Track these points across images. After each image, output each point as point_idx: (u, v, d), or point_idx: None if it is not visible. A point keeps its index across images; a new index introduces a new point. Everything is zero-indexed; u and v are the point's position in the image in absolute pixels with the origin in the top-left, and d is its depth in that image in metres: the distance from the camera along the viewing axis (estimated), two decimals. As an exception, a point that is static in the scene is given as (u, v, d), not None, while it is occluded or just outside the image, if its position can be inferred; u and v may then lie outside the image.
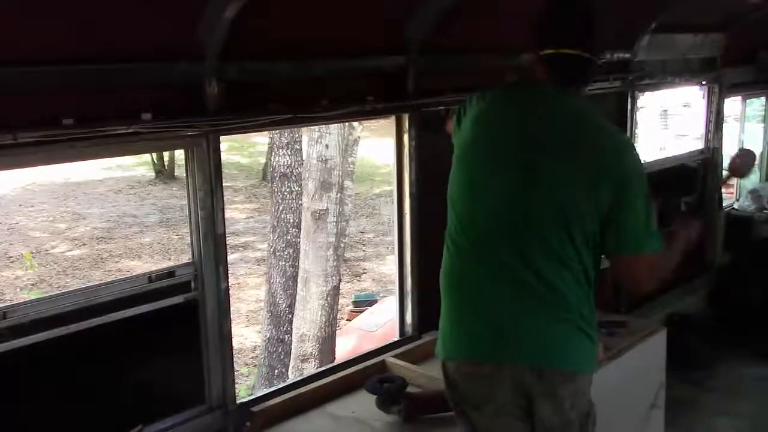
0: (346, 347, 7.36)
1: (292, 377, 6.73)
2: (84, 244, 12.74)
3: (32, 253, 11.58)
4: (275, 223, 7.74)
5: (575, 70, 2.34)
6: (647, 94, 5.64)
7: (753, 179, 7.01)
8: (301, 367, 7.13)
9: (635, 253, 2.27)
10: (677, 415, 4.35)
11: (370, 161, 17.12)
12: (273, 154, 8.06)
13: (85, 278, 11.04)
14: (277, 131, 7.42)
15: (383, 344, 3.63)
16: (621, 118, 4.80)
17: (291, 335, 7.47)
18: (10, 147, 2.20)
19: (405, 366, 3.28)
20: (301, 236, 7.38)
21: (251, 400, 3.07)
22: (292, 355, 7.36)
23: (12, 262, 11.66)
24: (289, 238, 7.63)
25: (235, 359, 3.01)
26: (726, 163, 6.14)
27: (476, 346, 2.27)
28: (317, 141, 6.99)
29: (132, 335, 2.63)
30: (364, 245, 13.19)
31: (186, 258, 2.91)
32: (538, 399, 2.19)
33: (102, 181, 16.79)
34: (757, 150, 6.83)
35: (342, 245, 7.68)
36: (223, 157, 2.81)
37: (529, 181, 2.21)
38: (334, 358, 7.08)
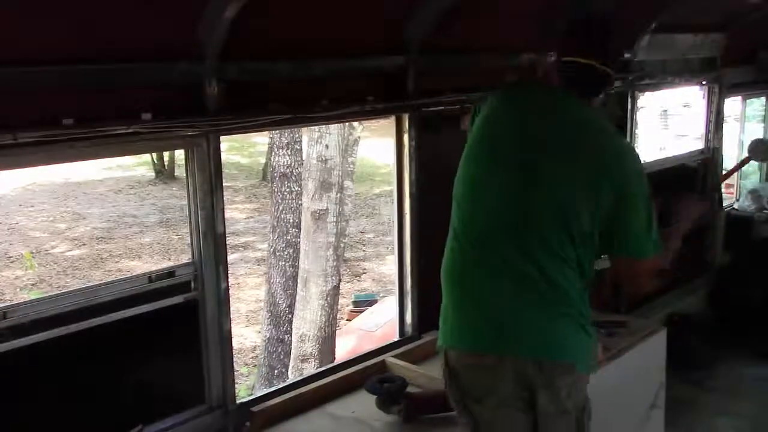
0: (345, 347, 7.36)
1: (292, 377, 6.73)
2: (84, 244, 12.74)
3: (32, 253, 11.58)
4: (275, 223, 7.74)
5: (587, 80, 2.35)
6: (647, 94, 5.63)
7: (753, 179, 7.01)
8: (301, 367, 7.13)
9: (637, 256, 2.29)
10: (677, 415, 4.35)
11: (370, 161, 17.11)
12: (273, 154, 8.06)
13: (85, 278, 11.04)
14: (277, 131, 7.42)
15: (383, 344, 3.63)
16: (621, 118, 4.80)
17: (291, 335, 7.47)
18: (10, 147, 2.20)
19: (405, 366, 3.28)
20: (301, 236, 7.38)
21: (251, 400, 3.07)
22: (292, 355, 7.36)
23: (12, 262, 11.66)
24: (289, 238, 7.63)
25: (235, 359, 3.01)
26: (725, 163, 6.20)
27: (479, 338, 2.29)
28: (317, 141, 6.99)
29: (132, 335, 2.63)
30: (364, 245, 13.19)
31: (186, 258, 2.91)
32: (539, 390, 2.21)
33: (102, 181, 16.79)
34: (757, 150, 6.84)
35: (342, 245, 7.68)
36: (223, 157, 2.81)
37: (529, 181, 2.23)
38: (334, 358, 7.08)
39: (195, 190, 2.71)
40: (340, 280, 7.62)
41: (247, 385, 8.09)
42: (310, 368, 6.86)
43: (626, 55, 4.65)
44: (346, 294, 10.20)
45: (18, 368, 2.38)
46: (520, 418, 2.24)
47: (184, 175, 2.82)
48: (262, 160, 17.49)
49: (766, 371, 5.29)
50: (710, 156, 5.87)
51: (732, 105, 6.41)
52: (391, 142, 3.54)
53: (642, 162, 2.40)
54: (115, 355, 2.64)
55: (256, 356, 8.62)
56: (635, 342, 3.62)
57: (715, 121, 5.81)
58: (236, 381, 3.09)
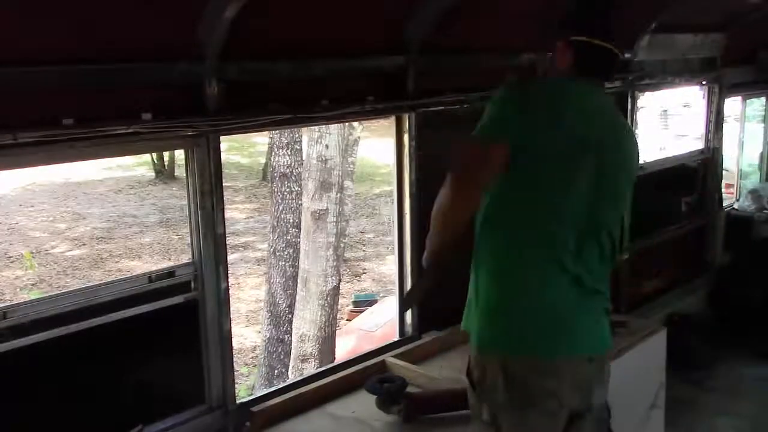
0: (345, 348, 7.36)
1: (292, 377, 6.73)
2: (84, 244, 12.74)
3: (32, 253, 11.58)
4: (275, 223, 7.74)
5: (604, 63, 2.35)
6: (647, 94, 5.63)
7: (753, 179, 7.01)
8: (301, 367, 7.13)
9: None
10: (677, 415, 4.35)
11: (370, 161, 17.12)
12: (273, 154, 8.06)
13: (85, 278, 11.04)
14: (277, 131, 7.42)
15: (383, 344, 3.63)
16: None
17: (291, 335, 7.47)
18: (10, 147, 2.20)
19: (405, 366, 3.28)
20: (301, 236, 7.38)
21: (251, 400, 3.07)
22: (292, 355, 7.36)
23: (12, 262, 11.66)
24: (289, 238, 7.63)
25: (235, 359, 3.01)
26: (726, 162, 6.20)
27: (599, 340, 2.33)
28: (317, 141, 6.99)
29: (132, 335, 2.63)
30: (364, 245, 13.19)
31: (186, 258, 2.91)
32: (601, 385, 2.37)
33: (102, 181, 16.79)
34: (757, 150, 6.84)
35: (342, 245, 7.68)
36: (223, 157, 2.81)
37: (599, 186, 2.27)
38: (334, 358, 7.08)
39: (195, 190, 2.71)
40: (340, 280, 7.62)
41: (247, 385, 8.09)
42: (310, 368, 6.86)
43: (626, 55, 4.65)
44: (346, 294, 10.20)
45: (18, 368, 2.38)
46: None
47: (184, 175, 2.82)
48: (262, 160, 17.49)
49: (766, 371, 5.29)
50: (710, 156, 5.87)
51: (732, 105, 6.41)
52: (391, 142, 3.54)
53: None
54: (115, 355, 2.64)
55: (256, 356, 8.62)
56: (635, 342, 3.62)
57: (715, 121, 5.82)
58: (236, 381, 3.09)
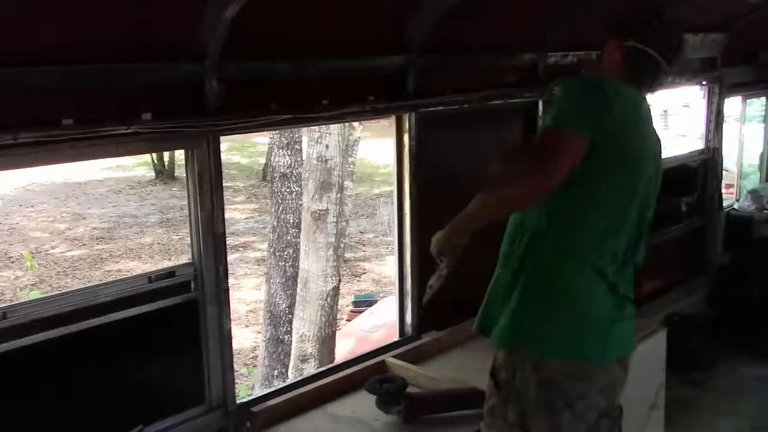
0: (343, 350, 7.35)
1: (292, 377, 6.73)
2: (84, 245, 12.75)
3: (32, 253, 11.58)
4: (275, 224, 7.74)
5: (651, 73, 2.39)
6: (647, 94, 5.63)
7: (753, 179, 7.01)
8: (300, 367, 7.13)
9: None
10: (677, 415, 4.35)
11: (370, 161, 17.12)
12: (273, 154, 8.06)
13: (85, 278, 11.04)
14: (277, 131, 7.42)
15: (383, 344, 3.63)
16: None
17: (291, 335, 7.47)
18: (10, 147, 2.20)
19: (405, 366, 3.28)
20: (301, 236, 7.38)
21: (251, 400, 3.07)
22: (291, 356, 7.36)
23: (12, 262, 11.66)
24: (289, 238, 7.63)
25: (234, 359, 3.01)
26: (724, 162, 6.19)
27: (628, 343, 2.45)
28: (317, 141, 6.98)
29: (132, 335, 2.63)
30: (364, 245, 13.19)
31: (186, 258, 2.91)
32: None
33: (102, 181, 16.80)
34: (757, 150, 6.84)
35: (342, 245, 7.67)
36: (223, 157, 2.81)
37: (645, 198, 2.35)
38: (334, 358, 7.08)
39: (195, 190, 2.71)
40: (340, 281, 7.62)
41: (247, 385, 8.09)
42: (310, 368, 6.86)
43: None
44: (346, 294, 10.20)
45: (18, 368, 2.38)
46: None
47: (184, 175, 2.82)
48: (262, 160, 17.49)
49: (766, 371, 5.29)
50: (710, 156, 5.87)
51: (732, 105, 6.41)
52: (391, 142, 3.54)
53: None
54: (115, 355, 2.64)
55: (256, 356, 8.62)
56: (635, 342, 3.61)
57: (715, 121, 5.81)
58: (236, 381, 3.09)
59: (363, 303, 9.47)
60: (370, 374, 3.14)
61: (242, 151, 19.86)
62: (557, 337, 2.27)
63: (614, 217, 2.29)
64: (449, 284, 3.57)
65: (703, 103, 5.87)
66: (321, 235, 7.08)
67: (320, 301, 7.15)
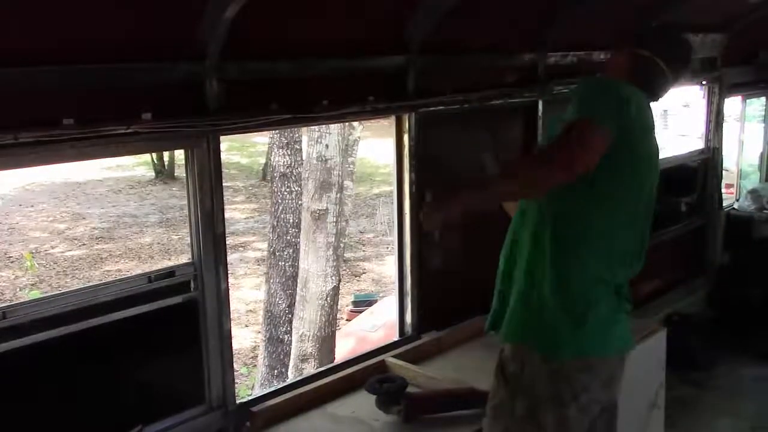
0: (343, 350, 7.35)
1: (292, 377, 6.73)
2: (84, 245, 12.75)
3: (32, 253, 11.58)
4: (275, 223, 7.74)
5: (658, 84, 2.45)
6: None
7: (753, 179, 7.01)
8: (300, 367, 7.13)
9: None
10: (677, 415, 4.35)
11: (370, 161, 17.12)
12: (273, 154, 8.06)
13: (84, 278, 11.04)
14: (277, 131, 7.42)
15: (383, 344, 3.63)
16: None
17: (291, 335, 7.47)
18: (10, 147, 2.20)
19: (405, 366, 3.28)
20: (300, 236, 7.38)
21: (251, 400, 3.07)
22: (291, 355, 7.36)
23: (12, 262, 11.66)
24: (288, 238, 7.63)
25: (234, 359, 3.01)
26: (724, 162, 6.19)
27: (629, 340, 2.49)
28: (317, 141, 6.98)
29: (132, 335, 2.63)
30: (364, 245, 13.19)
31: (186, 258, 2.91)
32: None
33: (102, 181, 16.81)
34: (757, 150, 6.84)
35: (342, 245, 7.67)
36: (223, 157, 2.81)
37: (652, 199, 2.42)
38: (334, 358, 7.08)
39: (195, 190, 2.71)
40: (339, 280, 7.62)
41: (247, 385, 8.09)
42: (310, 368, 6.86)
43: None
44: (346, 294, 10.20)
45: (18, 368, 2.38)
46: None
47: (184, 175, 2.82)
48: (262, 160, 17.49)
49: (766, 371, 5.29)
50: (710, 156, 5.87)
51: (732, 105, 6.41)
52: (391, 142, 3.54)
53: None
54: (114, 355, 2.63)
55: (256, 356, 8.62)
56: (635, 342, 3.61)
57: (715, 121, 5.81)
58: (236, 381, 3.09)
59: (363, 303, 9.47)
60: (370, 374, 3.14)
61: (242, 150, 19.86)
62: (568, 335, 2.31)
63: (622, 219, 2.33)
64: (450, 285, 3.58)
65: (703, 103, 5.87)
66: (321, 234, 7.08)
67: (320, 301, 7.15)
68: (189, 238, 2.81)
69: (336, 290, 7.37)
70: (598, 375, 2.34)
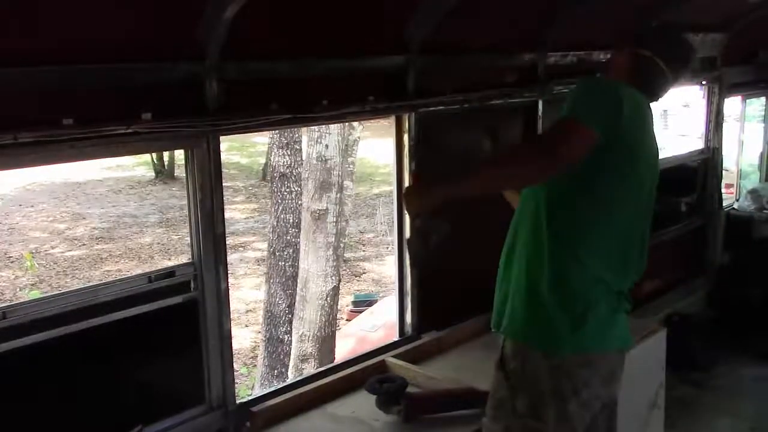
0: (343, 350, 7.35)
1: (292, 377, 6.73)
2: (84, 245, 12.75)
3: (32, 253, 11.58)
4: (275, 223, 7.74)
5: (658, 84, 2.46)
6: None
7: (753, 179, 7.01)
8: (301, 367, 7.13)
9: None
10: (677, 415, 4.35)
11: (370, 161, 17.12)
12: (273, 154, 8.06)
13: (84, 278, 11.04)
14: (277, 131, 7.42)
15: (383, 344, 3.63)
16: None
17: (290, 335, 7.47)
18: (10, 147, 2.20)
19: (405, 366, 3.28)
20: (300, 236, 7.38)
21: (251, 400, 3.07)
22: (291, 355, 7.36)
23: (12, 262, 11.66)
24: (288, 238, 7.63)
25: (234, 359, 3.01)
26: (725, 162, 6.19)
27: (628, 337, 2.49)
28: (317, 141, 6.99)
29: (132, 335, 2.63)
30: (364, 245, 13.19)
31: (186, 258, 2.90)
32: None
33: (102, 181, 16.81)
34: (757, 150, 6.84)
35: (342, 245, 7.68)
36: (223, 157, 2.81)
37: (651, 200, 2.44)
38: (334, 358, 7.08)
39: (195, 190, 2.71)
40: (339, 280, 7.62)
41: (247, 385, 8.09)
42: (310, 368, 6.86)
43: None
44: (346, 294, 10.20)
45: (18, 368, 2.38)
46: None
47: (184, 175, 2.82)
48: (262, 160, 17.49)
49: (766, 371, 5.29)
50: (710, 156, 5.87)
51: (732, 105, 6.41)
52: (391, 142, 3.54)
53: None
54: (114, 355, 2.63)
55: (256, 356, 8.63)
56: (635, 342, 3.61)
57: (715, 121, 5.81)
58: (236, 381, 3.09)
59: (363, 303, 9.47)
60: (370, 374, 3.14)
61: (242, 151, 19.86)
62: (564, 333, 2.32)
63: (621, 220, 2.34)
64: (450, 286, 3.58)
65: (703, 103, 5.87)
66: (321, 234, 7.08)
67: (320, 301, 7.15)
68: (189, 238, 2.82)
69: (336, 290, 7.37)
70: (599, 370, 2.35)
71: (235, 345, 4.83)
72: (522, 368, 2.36)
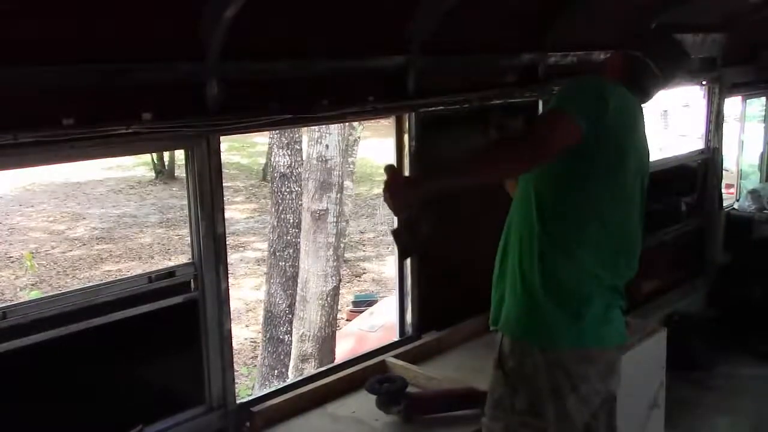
0: (343, 350, 7.35)
1: (292, 377, 6.73)
2: (84, 245, 12.75)
3: (32, 253, 11.58)
4: (275, 223, 7.74)
5: (648, 84, 2.50)
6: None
7: (753, 179, 7.01)
8: (301, 367, 7.13)
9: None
10: (677, 415, 4.35)
11: (370, 161, 17.12)
12: (273, 154, 8.06)
13: (84, 278, 11.04)
14: (277, 131, 7.42)
15: (383, 344, 3.63)
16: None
17: (291, 335, 7.47)
18: (10, 147, 2.19)
19: (405, 366, 3.28)
20: (301, 236, 7.38)
21: (251, 400, 3.06)
22: (292, 355, 7.36)
23: (12, 262, 11.66)
24: (289, 238, 7.63)
25: (234, 359, 3.01)
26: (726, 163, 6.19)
27: (624, 333, 2.51)
28: (317, 141, 6.99)
29: (132, 335, 2.63)
30: (364, 245, 13.19)
31: (186, 258, 2.90)
32: None
33: (102, 181, 16.81)
34: (757, 150, 6.84)
35: (342, 245, 7.68)
36: (223, 157, 2.81)
37: (642, 198, 2.47)
38: (334, 358, 7.08)
39: (195, 190, 2.71)
40: (340, 280, 7.62)
41: (247, 385, 8.09)
42: (310, 368, 6.86)
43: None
44: (346, 294, 10.20)
45: (18, 368, 2.38)
46: None
47: (184, 175, 2.82)
48: (262, 160, 17.49)
49: (766, 371, 5.29)
50: (710, 156, 5.87)
51: (732, 105, 6.41)
52: (391, 142, 3.54)
53: None
54: (115, 355, 2.63)
55: (256, 356, 8.63)
56: (635, 342, 3.62)
57: (715, 121, 5.81)
58: (236, 381, 3.09)
59: (363, 303, 9.47)
60: (370, 374, 3.14)
61: (242, 151, 19.86)
62: (560, 330, 2.35)
63: (610, 216, 2.37)
64: (450, 286, 3.58)
65: (703, 103, 5.87)
66: (321, 235, 7.08)
67: (320, 301, 7.15)
68: (189, 238, 2.81)
69: (336, 290, 7.37)
70: (596, 365, 2.37)
71: (235, 345, 4.84)
72: (520, 366, 2.38)
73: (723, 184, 6.32)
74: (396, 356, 3.38)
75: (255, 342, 9.25)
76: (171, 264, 9.08)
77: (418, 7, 3.22)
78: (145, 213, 14.67)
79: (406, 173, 2.49)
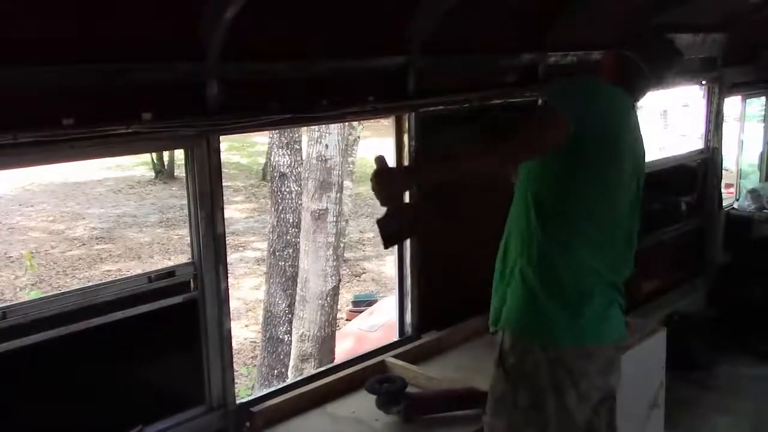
0: (342, 350, 7.35)
1: (292, 377, 6.73)
2: (83, 244, 12.75)
3: (32, 253, 11.58)
4: (275, 223, 7.74)
5: (638, 83, 2.53)
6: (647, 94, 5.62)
7: (752, 179, 7.01)
8: (301, 367, 7.13)
9: None
10: (677, 415, 4.35)
11: (370, 161, 17.10)
12: (273, 153, 8.06)
13: (84, 278, 11.04)
14: (277, 131, 7.42)
15: (383, 344, 3.63)
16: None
17: (290, 335, 7.47)
18: (10, 147, 2.19)
19: (405, 366, 3.28)
20: (300, 236, 7.38)
21: (251, 400, 3.06)
22: (291, 355, 7.36)
23: (12, 262, 11.66)
24: (288, 237, 7.63)
25: (234, 359, 3.01)
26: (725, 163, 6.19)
27: (623, 331, 2.53)
28: (317, 141, 6.99)
29: (132, 335, 2.63)
30: (364, 245, 13.19)
31: (186, 258, 2.90)
32: None
33: (101, 181, 16.81)
34: (757, 150, 6.84)
35: (342, 245, 7.68)
36: (223, 157, 2.80)
37: (637, 197, 2.50)
38: (334, 358, 7.08)
39: (195, 190, 2.71)
40: (339, 280, 7.62)
41: (247, 385, 8.09)
42: (310, 368, 6.86)
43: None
44: (346, 294, 10.20)
45: (18, 368, 2.38)
46: None
47: (184, 175, 2.82)
48: (262, 160, 17.49)
49: (766, 371, 5.29)
50: (710, 156, 5.87)
51: (732, 105, 6.41)
52: (391, 142, 3.54)
53: None
54: (115, 355, 2.63)
55: (256, 356, 8.62)
56: (635, 342, 3.62)
57: (715, 120, 5.81)
58: (236, 381, 3.09)
59: (363, 303, 9.47)
60: (370, 374, 3.14)
61: (242, 150, 19.86)
62: (560, 326, 2.37)
63: (606, 211, 2.41)
64: (450, 286, 3.57)
65: (703, 103, 5.87)
66: (321, 234, 7.08)
67: (320, 301, 7.15)
68: (189, 238, 2.81)
69: (336, 290, 7.37)
70: (596, 361, 2.39)
71: (235, 345, 4.84)
72: (521, 363, 2.40)
73: (723, 184, 6.32)
74: (396, 356, 3.38)
75: (255, 342, 9.25)
76: (171, 264, 9.09)
77: (418, 7, 3.22)
78: (145, 213, 14.67)
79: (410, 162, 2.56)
